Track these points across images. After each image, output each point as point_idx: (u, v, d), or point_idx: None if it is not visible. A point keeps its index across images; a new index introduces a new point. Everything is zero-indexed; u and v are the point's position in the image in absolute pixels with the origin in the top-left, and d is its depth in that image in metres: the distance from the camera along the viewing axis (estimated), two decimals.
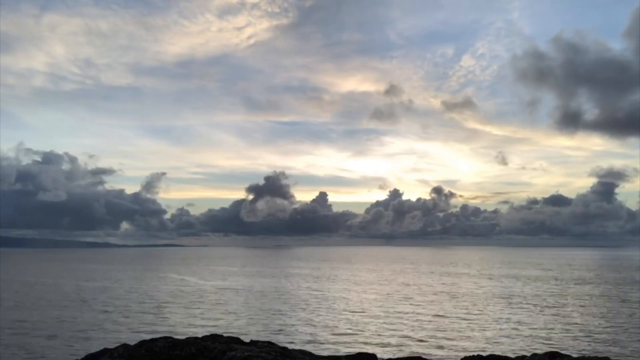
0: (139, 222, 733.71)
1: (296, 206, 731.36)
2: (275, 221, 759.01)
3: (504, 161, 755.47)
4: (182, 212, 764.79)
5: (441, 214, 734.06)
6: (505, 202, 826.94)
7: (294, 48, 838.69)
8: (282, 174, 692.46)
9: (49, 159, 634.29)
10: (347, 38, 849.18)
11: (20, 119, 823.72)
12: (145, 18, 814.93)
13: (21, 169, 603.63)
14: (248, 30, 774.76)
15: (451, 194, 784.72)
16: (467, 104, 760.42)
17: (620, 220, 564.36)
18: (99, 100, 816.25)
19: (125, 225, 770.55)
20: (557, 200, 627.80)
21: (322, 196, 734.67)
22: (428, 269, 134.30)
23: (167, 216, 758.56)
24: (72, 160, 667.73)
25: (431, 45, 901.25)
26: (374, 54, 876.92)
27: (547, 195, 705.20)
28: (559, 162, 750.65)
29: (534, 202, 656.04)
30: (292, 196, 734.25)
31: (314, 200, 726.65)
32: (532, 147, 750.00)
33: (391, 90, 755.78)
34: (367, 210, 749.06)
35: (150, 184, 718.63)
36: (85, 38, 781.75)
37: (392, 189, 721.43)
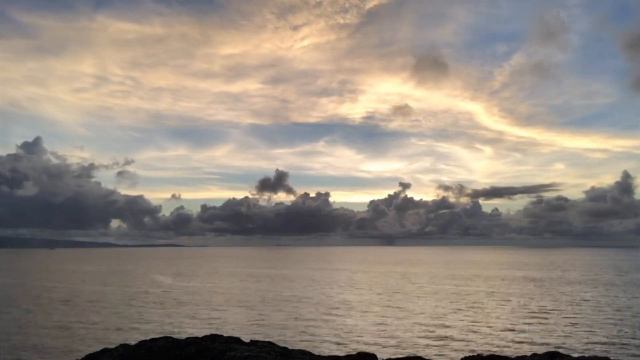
0: (134, 222, 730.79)
1: (299, 205, 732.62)
2: (276, 220, 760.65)
3: (525, 163, 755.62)
4: (181, 212, 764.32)
5: (447, 212, 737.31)
6: (514, 201, 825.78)
7: (344, 48, 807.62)
8: (286, 173, 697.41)
9: (30, 149, 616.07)
10: (401, 37, 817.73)
11: (53, 120, 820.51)
12: (202, 16, 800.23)
13: None
14: (304, 30, 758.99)
15: (461, 194, 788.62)
16: (501, 106, 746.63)
17: (631, 220, 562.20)
18: (135, 101, 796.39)
19: (121, 225, 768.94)
20: (565, 200, 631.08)
21: (325, 196, 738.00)
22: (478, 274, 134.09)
23: (169, 216, 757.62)
24: (54, 155, 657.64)
25: (483, 44, 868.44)
26: (423, 53, 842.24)
27: (562, 195, 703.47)
28: (580, 164, 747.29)
29: (544, 201, 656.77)
30: (296, 196, 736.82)
31: (317, 200, 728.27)
32: (554, 149, 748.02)
33: (426, 90, 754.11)
34: (369, 210, 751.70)
35: (121, 174, 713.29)
36: (137, 37, 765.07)
37: (401, 188, 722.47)
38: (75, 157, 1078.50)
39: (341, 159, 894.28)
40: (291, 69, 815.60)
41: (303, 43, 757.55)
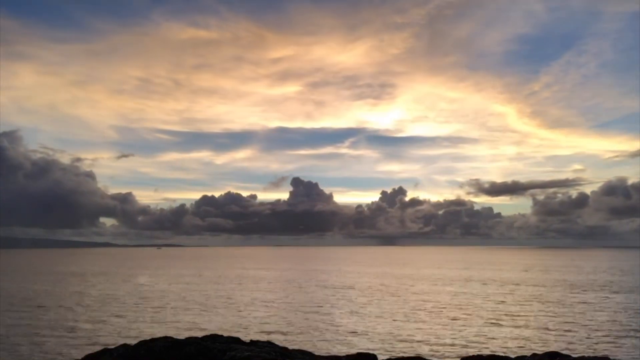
0: (134, 222, 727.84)
1: (301, 206, 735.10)
2: (276, 220, 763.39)
3: (543, 164, 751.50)
4: (181, 212, 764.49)
5: (450, 212, 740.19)
6: (522, 200, 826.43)
7: (393, 51, 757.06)
8: (297, 175, 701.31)
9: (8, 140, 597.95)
10: (453, 40, 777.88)
11: (82, 121, 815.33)
12: (261, 14, 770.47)
13: None
14: (360, 29, 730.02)
15: (469, 193, 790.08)
16: (534, 108, 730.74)
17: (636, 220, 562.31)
18: (170, 103, 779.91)
19: (116, 224, 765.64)
20: (576, 198, 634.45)
21: (329, 196, 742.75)
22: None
23: (169, 217, 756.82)
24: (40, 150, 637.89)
25: (533, 47, 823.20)
26: (470, 55, 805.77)
27: (573, 193, 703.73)
28: (597, 164, 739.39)
29: (552, 199, 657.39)
30: (300, 196, 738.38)
31: (321, 201, 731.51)
32: (575, 150, 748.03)
33: (463, 93, 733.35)
34: (371, 209, 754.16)
35: (115, 169, 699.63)
36: (189, 38, 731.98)
37: (407, 188, 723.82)
38: (85, 156, 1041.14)
39: (360, 160, 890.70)
40: (336, 73, 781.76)
41: (355, 44, 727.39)
